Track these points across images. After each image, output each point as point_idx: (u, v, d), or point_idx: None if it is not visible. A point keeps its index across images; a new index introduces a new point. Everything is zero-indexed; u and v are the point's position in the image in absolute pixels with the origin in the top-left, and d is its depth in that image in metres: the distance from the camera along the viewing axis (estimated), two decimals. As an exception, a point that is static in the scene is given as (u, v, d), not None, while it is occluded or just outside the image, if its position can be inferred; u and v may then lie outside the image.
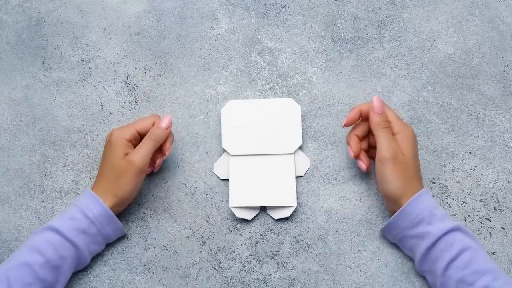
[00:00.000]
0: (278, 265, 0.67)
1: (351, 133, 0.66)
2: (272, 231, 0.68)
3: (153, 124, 0.66)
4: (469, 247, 0.58)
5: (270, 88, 0.74)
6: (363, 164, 0.66)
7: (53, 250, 0.60)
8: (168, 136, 0.67)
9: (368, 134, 0.67)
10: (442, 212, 0.61)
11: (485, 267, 0.57)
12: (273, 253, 0.68)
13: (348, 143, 0.66)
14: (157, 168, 0.69)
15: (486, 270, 0.57)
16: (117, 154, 0.64)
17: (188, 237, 0.68)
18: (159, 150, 0.67)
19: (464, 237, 0.59)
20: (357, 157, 0.66)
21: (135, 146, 0.66)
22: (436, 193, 0.68)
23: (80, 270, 0.66)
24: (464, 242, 0.59)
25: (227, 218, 0.69)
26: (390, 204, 0.64)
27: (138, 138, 0.66)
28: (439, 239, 0.59)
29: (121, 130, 0.66)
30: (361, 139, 0.66)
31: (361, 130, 0.66)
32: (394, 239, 0.65)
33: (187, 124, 0.73)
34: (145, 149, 0.64)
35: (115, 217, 0.64)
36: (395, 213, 0.62)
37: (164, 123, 0.65)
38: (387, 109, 0.64)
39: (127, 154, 0.64)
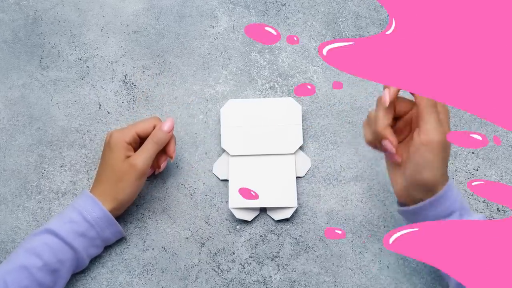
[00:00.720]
0: (278, 266, 0.66)
1: (385, 125, 0.56)
2: (272, 232, 0.68)
3: (154, 127, 0.65)
4: None
5: (270, 88, 0.73)
6: (393, 149, 0.55)
7: (51, 253, 0.59)
8: (171, 139, 0.66)
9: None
10: (468, 205, 0.57)
11: None
12: (273, 255, 0.67)
13: (384, 137, 0.56)
14: (159, 171, 0.68)
15: None
16: (118, 156, 0.63)
17: (187, 238, 0.68)
18: (161, 152, 0.66)
19: None
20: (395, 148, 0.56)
21: (135, 149, 0.65)
22: (438, 194, 0.68)
23: (78, 272, 0.66)
24: None
25: (227, 219, 0.68)
26: (417, 192, 0.56)
27: (138, 141, 0.65)
28: None
29: (121, 132, 0.65)
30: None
31: (389, 117, 0.56)
32: (414, 221, 0.58)
33: (186, 124, 0.72)
34: (147, 152, 0.63)
35: (115, 220, 0.63)
36: (427, 201, 0.55)
37: (166, 126, 0.64)
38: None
39: (127, 156, 0.63)
